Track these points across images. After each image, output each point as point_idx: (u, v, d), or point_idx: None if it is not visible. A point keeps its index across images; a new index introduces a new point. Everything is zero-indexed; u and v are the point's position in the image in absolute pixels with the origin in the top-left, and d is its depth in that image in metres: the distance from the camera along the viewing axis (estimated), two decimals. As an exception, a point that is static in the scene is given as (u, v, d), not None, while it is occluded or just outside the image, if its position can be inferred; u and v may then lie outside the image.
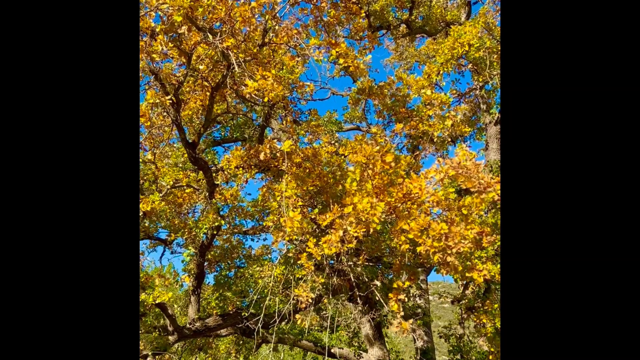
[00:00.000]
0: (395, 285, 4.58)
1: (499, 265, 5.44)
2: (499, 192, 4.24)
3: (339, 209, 4.48)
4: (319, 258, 4.62)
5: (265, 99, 4.73)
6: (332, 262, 6.54)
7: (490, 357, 6.69)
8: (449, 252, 4.22)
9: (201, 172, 7.07)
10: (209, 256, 8.15)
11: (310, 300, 5.13)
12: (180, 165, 8.00)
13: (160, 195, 6.73)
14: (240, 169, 6.51)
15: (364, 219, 4.29)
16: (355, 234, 4.35)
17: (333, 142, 8.22)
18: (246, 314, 7.46)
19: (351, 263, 6.24)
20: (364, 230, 4.38)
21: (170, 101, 5.52)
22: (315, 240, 4.67)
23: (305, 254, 4.86)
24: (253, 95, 4.89)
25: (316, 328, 9.84)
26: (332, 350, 8.59)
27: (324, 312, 9.62)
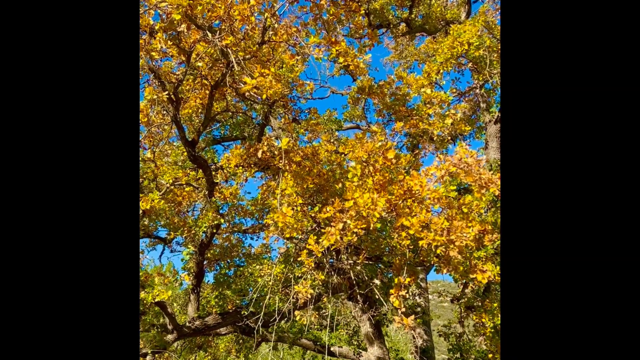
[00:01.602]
0: (396, 281, 4.58)
1: (498, 267, 5.43)
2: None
3: (339, 203, 4.48)
4: (319, 255, 4.63)
5: (264, 96, 4.72)
6: (332, 260, 6.54)
7: (490, 356, 6.69)
8: (452, 246, 4.22)
9: (201, 170, 7.07)
10: (209, 255, 8.15)
11: (309, 297, 5.13)
12: (180, 163, 7.99)
13: (160, 193, 6.72)
14: (240, 167, 6.50)
15: (364, 214, 4.29)
16: (355, 229, 4.35)
17: (333, 140, 8.22)
18: (246, 313, 7.46)
19: (351, 262, 6.24)
20: (364, 226, 4.37)
21: (168, 97, 5.51)
22: (315, 237, 4.67)
23: (305, 251, 4.86)
24: (252, 94, 4.88)
25: (316, 327, 9.84)
26: (332, 349, 8.60)
27: (324, 310, 9.63)
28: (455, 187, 4.79)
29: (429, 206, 4.58)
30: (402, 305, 4.45)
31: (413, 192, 4.43)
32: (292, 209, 4.88)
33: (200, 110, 7.61)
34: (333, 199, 4.63)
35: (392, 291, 4.57)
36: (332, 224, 4.48)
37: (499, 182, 4.22)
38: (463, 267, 4.67)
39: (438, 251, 4.33)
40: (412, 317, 4.46)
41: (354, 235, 4.41)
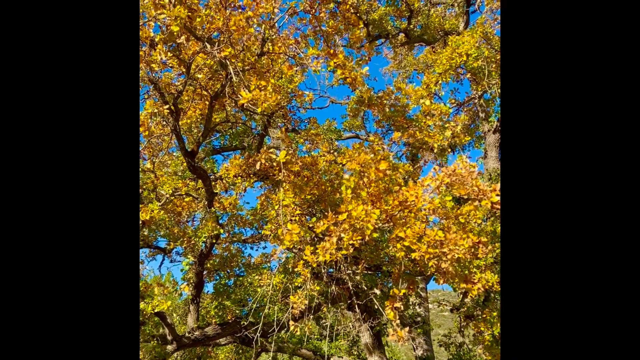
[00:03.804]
0: (391, 293, 4.58)
1: (497, 276, 5.44)
2: (494, 200, 4.25)
3: (333, 216, 4.49)
4: (314, 265, 4.63)
5: (259, 110, 4.75)
6: (331, 270, 6.54)
7: (490, 365, 6.66)
8: (444, 258, 4.21)
9: (200, 180, 7.09)
10: (208, 265, 8.16)
11: (304, 307, 5.13)
12: (180, 174, 8.02)
13: (160, 204, 6.74)
14: (239, 177, 6.53)
15: (358, 226, 4.30)
16: (351, 242, 4.36)
17: (332, 150, 8.25)
18: (245, 323, 7.45)
19: (350, 271, 6.24)
20: (360, 238, 4.38)
21: (169, 110, 5.55)
22: (312, 248, 4.68)
23: (302, 261, 4.87)
24: (250, 105, 4.91)
25: (315, 337, 9.82)
26: (332, 359, 8.57)
27: (323, 320, 9.61)
28: (451, 198, 4.78)
29: (425, 217, 4.59)
30: (397, 318, 4.44)
31: (408, 203, 4.44)
32: (297, 223, 4.88)
33: (199, 121, 7.65)
34: (330, 211, 4.64)
35: (387, 303, 4.57)
36: (326, 238, 4.49)
37: (493, 195, 4.23)
38: (459, 278, 4.67)
39: (430, 263, 4.33)
40: (407, 329, 4.45)
41: (350, 247, 4.42)
